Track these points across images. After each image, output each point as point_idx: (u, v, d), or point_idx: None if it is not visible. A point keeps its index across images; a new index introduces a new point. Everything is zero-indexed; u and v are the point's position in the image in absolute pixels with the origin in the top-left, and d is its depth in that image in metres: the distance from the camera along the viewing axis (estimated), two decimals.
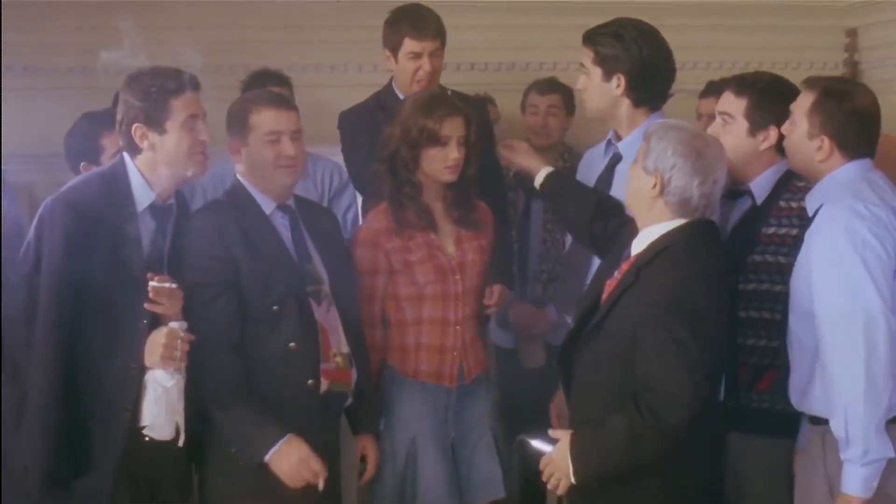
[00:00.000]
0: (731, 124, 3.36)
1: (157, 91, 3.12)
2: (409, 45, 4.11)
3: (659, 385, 2.89)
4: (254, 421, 3.20)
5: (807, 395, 3.11)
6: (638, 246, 3.10)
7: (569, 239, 3.84)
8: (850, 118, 3.09)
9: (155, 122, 3.12)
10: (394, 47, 4.17)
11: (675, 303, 2.91)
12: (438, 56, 4.16)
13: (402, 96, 4.15)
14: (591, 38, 3.58)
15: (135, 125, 3.11)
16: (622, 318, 3.01)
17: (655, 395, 2.89)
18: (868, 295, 2.92)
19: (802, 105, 3.13)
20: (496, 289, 4.28)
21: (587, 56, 3.58)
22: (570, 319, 3.66)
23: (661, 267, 2.98)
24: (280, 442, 3.20)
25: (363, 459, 3.56)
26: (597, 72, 3.56)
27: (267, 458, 3.20)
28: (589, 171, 3.81)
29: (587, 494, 3.09)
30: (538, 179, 3.69)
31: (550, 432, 3.17)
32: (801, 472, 3.19)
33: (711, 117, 4.41)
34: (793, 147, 3.17)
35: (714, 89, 4.69)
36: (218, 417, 3.20)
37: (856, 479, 2.94)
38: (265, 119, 3.31)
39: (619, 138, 3.66)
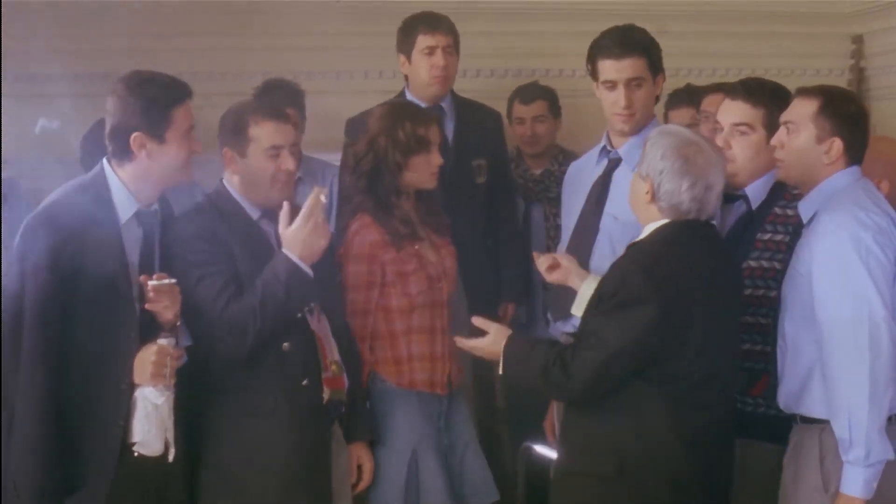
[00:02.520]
0: (750, 135, 3.39)
1: (161, 100, 3.08)
2: (422, 40, 4.18)
3: (570, 357, 3.03)
4: None
5: (803, 398, 3.14)
6: None
7: (561, 246, 3.83)
8: (857, 119, 3.16)
9: (156, 131, 3.07)
10: (408, 48, 4.22)
11: (607, 294, 3.02)
12: (452, 54, 4.21)
13: (417, 102, 4.18)
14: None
15: (134, 134, 3.06)
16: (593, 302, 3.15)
17: (567, 362, 3.03)
18: (873, 303, 2.97)
19: (804, 111, 3.15)
20: (510, 307, 4.46)
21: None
22: (563, 325, 3.70)
23: (628, 255, 3.09)
24: None
25: (359, 468, 3.55)
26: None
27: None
28: (578, 181, 3.82)
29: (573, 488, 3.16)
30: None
31: (476, 320, 3.27)
32: (792, 469, 3.19)
33: (687, 127, 4.47)
34: (795, 154, 3.18)
35: (682, 100, 4.72)
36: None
37: (857, 480, 2.98)
38: (266, 132, 3.25)
39: (612, 144, 3.68)
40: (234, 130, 3.28)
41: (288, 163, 3.28)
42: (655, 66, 3.61)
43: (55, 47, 4.76)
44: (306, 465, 3.29)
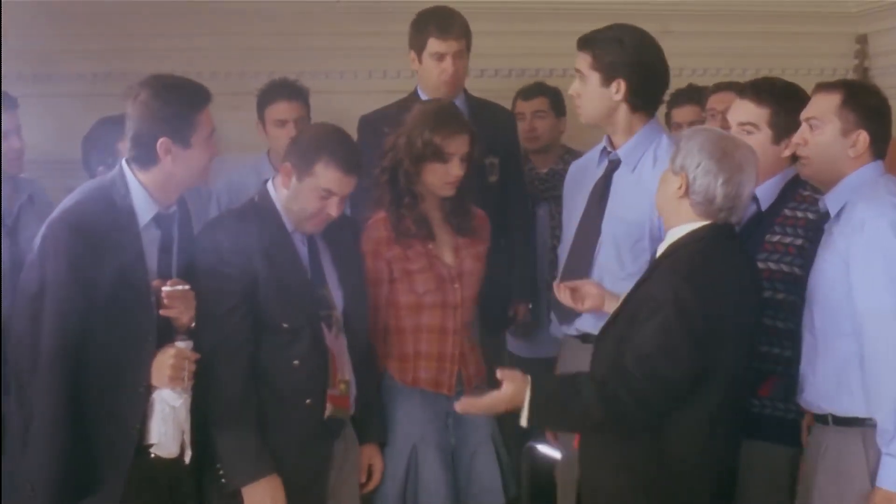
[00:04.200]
0: (756, 134, 3.36)
1: (186, 105, 3.09)
2: (433, 45, 4.13)
3: (650, 354, 2.88)
4: (248, 450, 3.19)
5: (839, 396, 3.08)
6: (662, 247, 3.11)
7: (563, 246, 3.83)
8: (882, 112, 3.16)
9: (182, 136, 3.08)
10: (419, 48, 4.19)
11: (671, 301, 2.90)
12: (463, 58, 4.18)
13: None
14: (590, 42, 3.58)
15: (161, 139, 3.06)
16: (626, 315, 3.03)
17: (648, 362, 2.88)
18: None
19: (827, 106, 3.14)
20: (520, 308, 4.37)
21: (584, 61, 3.58)
22: (567, 327, 3.70)
23: (670, 265, 3.00)
24: (261, 479, 3.20)
25: (369, 469, 3.57)
26: (595, 77, 3.56)
27: (244, 488, 3.20)
28: (579, 182, 3.82)
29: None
30: None
31: (500, 373, 3.04)
32: (830, 475, 3.12)
33: (690, 125, 4.44)
34: (819, 149, 3.16)
35: (686, 98, 4.73)
36: (214, 434, 3.19)
37: (895, 474, 2.96)
38: (329, 178, 3.26)
39: (613, 146, 3.67)
40: (304, 156, 3.29)
41: (333, 209, 3.31)
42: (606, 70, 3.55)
43: (58, 48, 4.77)
44: (299, 484, 3.30)
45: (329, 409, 3.33)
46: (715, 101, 4.39)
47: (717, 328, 2.93)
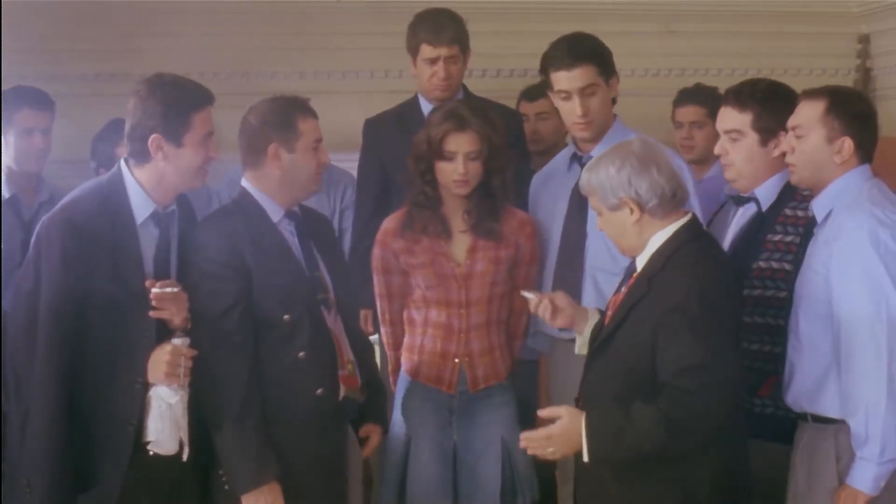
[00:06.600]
0: (741, 140, 3.39)
1: (182, 104, 3.09)
2: (424, 50, 4.13)
3: (700, 365, 2.82)
4: (248, 456, 3.18)
5: (818, 398, 3.13)
6: (642, 259, 3.05)
7: (550, 258, 3.82)
8: (866, 118, 3.17)
9: (174, 134, 3.09)
10: (413, 53, 4.21)
11: (696, 302, 2.86)
12: (455, 62, 4.17)
13: (424, 102, 4.21)
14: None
15: (153, 135, 3.07)
16: (635, 330, 2.96)
17: (698, 374, 2.81)
18: (891, 300, 2.98)
19: (812, 113, 3.15)
20: None
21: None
22: (559, 332, 3.69)
23: (675, 272, 2.94)
24: (262, 486, 3.18)
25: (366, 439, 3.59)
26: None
27: (243, 494, 3.19)
28: (546, 188, 3.87)
29: (598, 489, 3.05)
30: None
31: (543, 412, 3.01)
32: (804, 470, 3.18)
33: (692, 125, 4.59)
34: (805, 156, 3.17)
35: (689, 97, 4.74)
36: (216, 438, 3.19)
37: (867, 476, 3.00)
38: (311, 127, 3.32)
39: (581, 150, 3.73)
40: (284, 125, 3.30)
41: (326, 156, 3.37)
42: (607, 70, 3.68)
43: (61, 48, 4.78)
44: (322, 473, 3.32)
45: (342, 392, 3.35)
46: None
47: (733, 323, 2.97)
